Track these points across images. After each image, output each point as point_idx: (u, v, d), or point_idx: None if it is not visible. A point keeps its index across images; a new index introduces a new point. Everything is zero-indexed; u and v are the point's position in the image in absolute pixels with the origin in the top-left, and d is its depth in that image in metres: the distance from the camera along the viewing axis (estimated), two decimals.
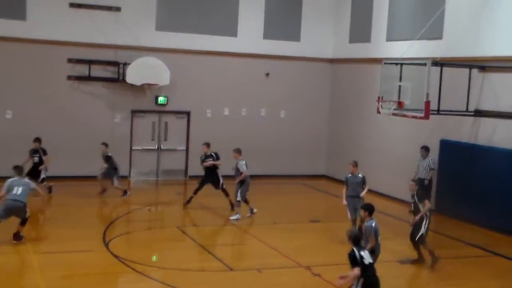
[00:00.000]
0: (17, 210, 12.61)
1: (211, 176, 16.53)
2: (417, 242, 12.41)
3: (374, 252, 10.48)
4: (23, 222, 12.77)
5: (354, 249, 9.01)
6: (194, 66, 20.66)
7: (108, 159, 17.38)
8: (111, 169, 17.33)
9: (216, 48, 20.84)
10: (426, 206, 12.24)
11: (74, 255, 12.29)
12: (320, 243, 14.16)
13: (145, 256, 12.51)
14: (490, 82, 15.77)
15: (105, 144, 17.64)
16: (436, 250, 12.68)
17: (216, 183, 16.54)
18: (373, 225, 10.64)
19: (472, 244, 14.32)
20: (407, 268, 12.60)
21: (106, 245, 12.94)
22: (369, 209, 10.77)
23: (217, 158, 16.58)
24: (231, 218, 15.64)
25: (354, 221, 13.97)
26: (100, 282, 11.00)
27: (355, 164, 14.24)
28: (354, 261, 8.92)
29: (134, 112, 20.32)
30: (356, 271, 8.83)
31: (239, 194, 15.58)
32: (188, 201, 16.63)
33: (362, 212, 11.03)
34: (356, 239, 9.17)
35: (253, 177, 18.42)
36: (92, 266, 11.75)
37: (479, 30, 16.07)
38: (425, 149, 17.08)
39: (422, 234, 12.30)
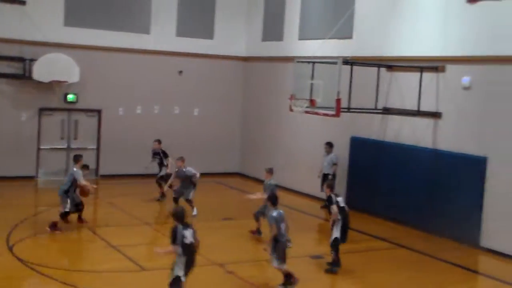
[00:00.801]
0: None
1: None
2: (330, 245, 12.22)
3: (279, 241, 10.71)
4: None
5: (178, 226, 9.23)
6: (106, 63, 20.21)
7: None
8: None
9: (129, 45, 20.50)
10: (333, 211, 12.07)
11: None
12: (233, 240, 14.17)
13: (53, 258, 12.11)
14: (397, 81, 16.32)
15: None
16: (344, 243, 12.91)
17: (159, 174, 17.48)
18: (274, 214, 10.83)
19: (379, 237, 14.76)
20: (315, 262, 12.76)
21: (10, 248, 12.39)
22: (271, 200, 11.17)
23: (165, 155, 17.50)
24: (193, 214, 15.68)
25: (254, 217, 14.19)
26: (3, 287, 10.53)
27: (268, 171, 14.24)
28: (174, 236, 9.18)
29: (42, 110, 19.63)
30: (174, 247, 9.15)
31: (191, 194, 15.77)
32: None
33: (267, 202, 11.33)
34: (178, 216, 9.36)
35: (167, 175, 18.27)
36: None
37: (387, 31, 16.60)
38: (329, 145, 17.51)
39: (335, 238, 12.05)
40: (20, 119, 19.26)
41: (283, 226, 10.86)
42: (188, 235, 9.23)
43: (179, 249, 9.19)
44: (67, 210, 13.98)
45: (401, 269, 12.60)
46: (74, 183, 13.92)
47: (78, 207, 14.26)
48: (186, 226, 9.36)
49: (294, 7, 20.12)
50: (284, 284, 10.92)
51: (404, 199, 15.78)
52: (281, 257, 10.80)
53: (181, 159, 15.90)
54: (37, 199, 17.42)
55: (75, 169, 14.01)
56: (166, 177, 17.03)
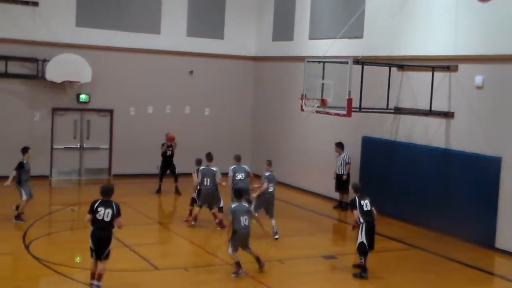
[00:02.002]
0: (210, 198, 14.61)
1: (169, 163, 18.46)
2: (357, 250, 11.98)
3: (236, 231, 11.34)
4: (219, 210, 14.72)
5: (98, 200, 10.21)
6: (117, 63, 20.34)
7: None
8: None
9: (139, 45, 20.60)
10: (354, 216, 11.91)
11: None
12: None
13: (68, 257, 12.21)
14: (408, 80, 16.31)
15: None
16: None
17: (173, 169, 18.49)
18: (232, 206, 11.61)
19: (392, 238, 14.73)
20: (327, 262, 12.81)
21: (27, 247, 12.53)
22: (234, 193, 12.30)
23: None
24: None
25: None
26: (21, 286, 10.63)
27: (267, 163, 14.89)
28: (90, 207, 10.26)
29: (54, 110, 19.79)
30: (87, 216, 10.24)
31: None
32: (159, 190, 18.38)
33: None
34: (101, 191, 10.28)
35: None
36: (11, 269, 11.36)
37: (398, 30, 16.59)
38: (339, 145, 17.50)
39: (361, 243, 11.77)
40: (34, 119, 19.46)
41: (243, 218, 11.38)
42: (102, 212, 9.99)
43: (90, 219, 10.10)
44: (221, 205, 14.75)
45: (414, 269, 12.57)
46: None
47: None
48: (106, 203, 10.08)
49: (304, 7, 20.15)
50: (236, 273, 11.35)
51: (417, 200, 15.75)
52: (234, 246, 11.41)
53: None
54: (51, 198, 17.51)
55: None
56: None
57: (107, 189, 10.37)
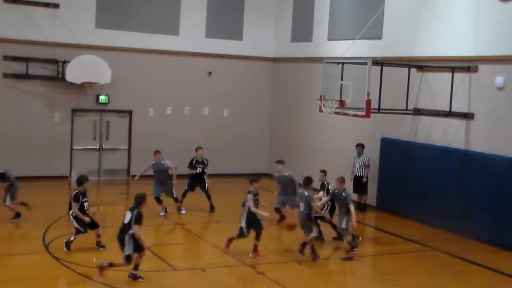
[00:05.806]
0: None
1: (199, 180, 16.62)
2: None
3: None
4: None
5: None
6: (136, 65, 20.44)
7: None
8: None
9: (158, 46, 20.68)
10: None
11: (12, 258, 11.98)
12: (263, 241, 14.17)
13: (87, 257, 12.27)
14: (428, 81, 16.20)
15: None
16: (375, 245, 12.95)
17: (203, 186, 16.70)
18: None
19: (410, 240, 14.64)
20: (348, 264, 12.78)
21: (46, 247, 12.64)
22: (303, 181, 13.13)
23: (207, 164, 16.74)
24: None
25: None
26: (40, 285, 10.73)
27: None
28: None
29: (74, 111, 19.94)
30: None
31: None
32: (180, 205, 16.43)
33: None
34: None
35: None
36: (31, 269, 11.44)
37: (417, 31, 16.48)
38: (361, 147, 17.41)
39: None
40: (54, 120, 19.63)
41: (301, 204, 12.78)
42: (126, 217, 10.81)
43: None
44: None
45: (432, 271, 12.47)
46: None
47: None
48: (131, 209, 10.89)
49: (323, 8, 20.10)
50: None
51: (436, 201, 15.62)
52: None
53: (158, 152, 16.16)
54: None
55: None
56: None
57: (137, 197, 11.09)
